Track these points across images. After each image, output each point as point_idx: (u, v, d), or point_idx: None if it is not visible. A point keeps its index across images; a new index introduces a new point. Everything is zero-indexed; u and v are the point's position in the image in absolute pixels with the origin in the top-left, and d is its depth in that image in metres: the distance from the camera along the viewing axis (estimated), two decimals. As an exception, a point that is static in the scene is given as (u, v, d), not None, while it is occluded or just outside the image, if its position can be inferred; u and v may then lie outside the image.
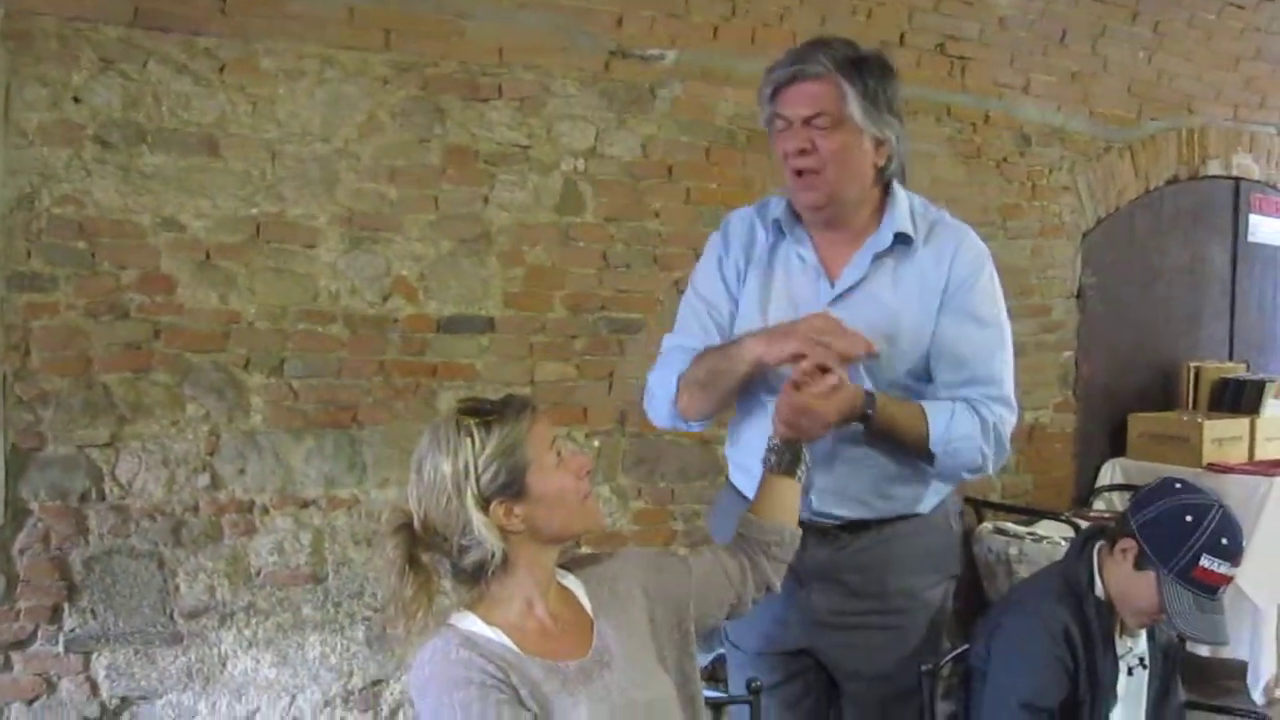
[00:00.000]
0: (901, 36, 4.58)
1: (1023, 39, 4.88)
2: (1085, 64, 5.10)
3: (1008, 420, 2.23)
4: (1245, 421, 5.10)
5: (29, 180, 3.28)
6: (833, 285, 2.25)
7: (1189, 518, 2.37)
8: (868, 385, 2.17)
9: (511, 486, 1.72)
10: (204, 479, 3.51)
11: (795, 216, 2.30)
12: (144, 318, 3.43)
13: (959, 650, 2.70)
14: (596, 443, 4.03)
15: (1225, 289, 5.81)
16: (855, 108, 2.14)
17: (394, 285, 3.73)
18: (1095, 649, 2.44)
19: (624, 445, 4.11)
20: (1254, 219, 5.83)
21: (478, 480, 1.71)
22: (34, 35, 3.27)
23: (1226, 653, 4.47)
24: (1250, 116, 5.74)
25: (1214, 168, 5.63)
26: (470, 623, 1.73)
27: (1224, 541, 2.35)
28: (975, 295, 2.24)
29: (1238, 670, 4.77)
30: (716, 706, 2.47)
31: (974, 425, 2.17)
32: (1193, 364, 5.45)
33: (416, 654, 1.71)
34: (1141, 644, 2.56)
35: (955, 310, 2.22)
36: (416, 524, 1.75)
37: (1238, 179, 5.75)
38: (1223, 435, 5.01)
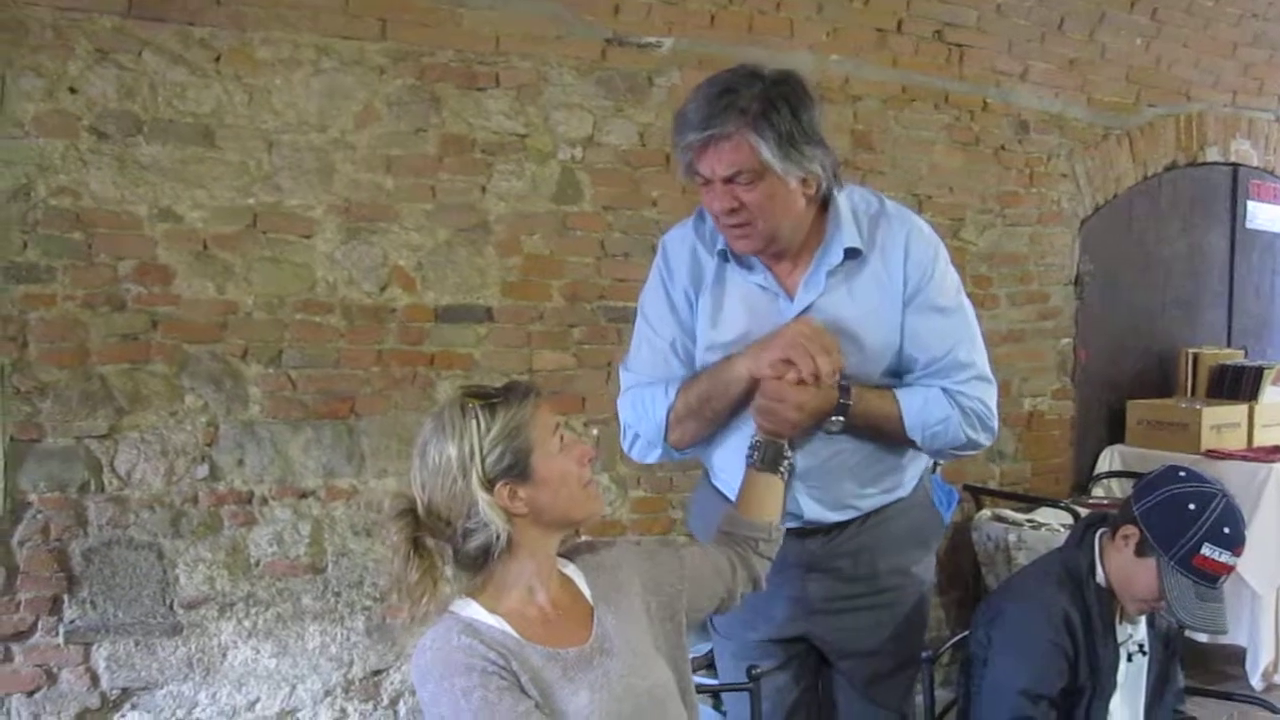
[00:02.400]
0: (899, 23, 4.57)
1: (1021, 26, 4.87)
2: (1083, 51, 5.08)
3: (989, 394, 2.24)
4: (1243, 408, 5.10)
5: (25, 171, 3.27)
6: (792, 301, 2.24)
7: (1192, 506, 2.38)
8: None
9: (516, 468, 1.73)
10: (203, 470, 3.51)
11: None
12: (141, 309, 3.42)
13: (959, 637, 2.70)
14: (595, 431, 4.01)
15: (1223, 275, 5.80)
16: (773, 158, 2.07)
17: (391, 275, 3.72)
18: (1095, 636, 2.44)
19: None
20: (1252, 205, 5.82)
21: (483, 462, 1.71)
22: (29, 25, 3.26)
23: (1225, 639, 4.48)
24: (1248, 102, 5.73)
25: (1212, 154, 5.62)
26: (472, 610, 1.73)
27: (1226, 530, 2.36)
28: (933, 287, 2.23)
29: (1236, 656, 4.79)
30: (716, 694, 2.47)
31: (949, 408, 2.18)
32: (1191, 350, 5.44)
33: (417, 642, 1.71)
34: (1141, 631, 2.56)
35: (919, 307, 2.22)
36: (420, 509, 1.75)
37: (1236, 165, 5.74)
38: (1221, 422, 5.01)
